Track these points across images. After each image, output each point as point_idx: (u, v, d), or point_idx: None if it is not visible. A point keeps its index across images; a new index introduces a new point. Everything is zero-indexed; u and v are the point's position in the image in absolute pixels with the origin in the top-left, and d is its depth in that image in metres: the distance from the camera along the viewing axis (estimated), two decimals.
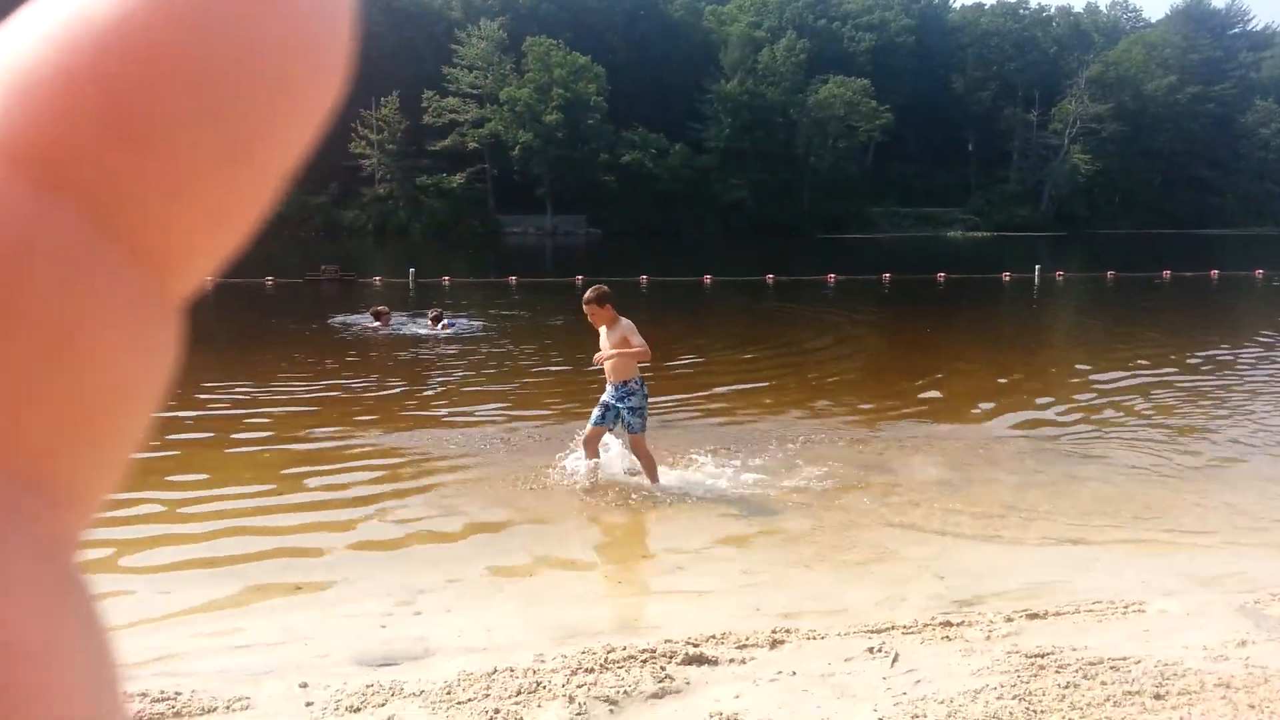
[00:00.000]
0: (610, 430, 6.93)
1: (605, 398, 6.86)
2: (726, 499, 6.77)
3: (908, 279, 28.44)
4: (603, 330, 6.87)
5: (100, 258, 0.17)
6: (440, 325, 16.35)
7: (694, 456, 7.74)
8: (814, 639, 4.41)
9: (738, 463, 7.68)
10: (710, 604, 4.94)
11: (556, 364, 13.00)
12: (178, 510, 6.39)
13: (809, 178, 79.71)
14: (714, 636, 4.38)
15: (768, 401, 10.46)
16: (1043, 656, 4.05)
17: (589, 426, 6.88)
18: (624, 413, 6.76)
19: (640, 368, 6.93)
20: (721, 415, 9.62)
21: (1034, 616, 4.60)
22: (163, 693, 3.77)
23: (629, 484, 6.99)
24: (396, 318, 17.29)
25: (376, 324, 16.70)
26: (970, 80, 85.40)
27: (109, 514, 6.16)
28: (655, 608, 4.89)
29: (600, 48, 75.65)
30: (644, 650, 4.18)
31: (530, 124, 69.34)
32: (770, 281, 27.95)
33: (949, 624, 4.56)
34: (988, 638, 4.38)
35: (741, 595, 5.08)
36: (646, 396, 6.92)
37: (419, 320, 17.07)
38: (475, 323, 18.22)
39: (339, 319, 17.95)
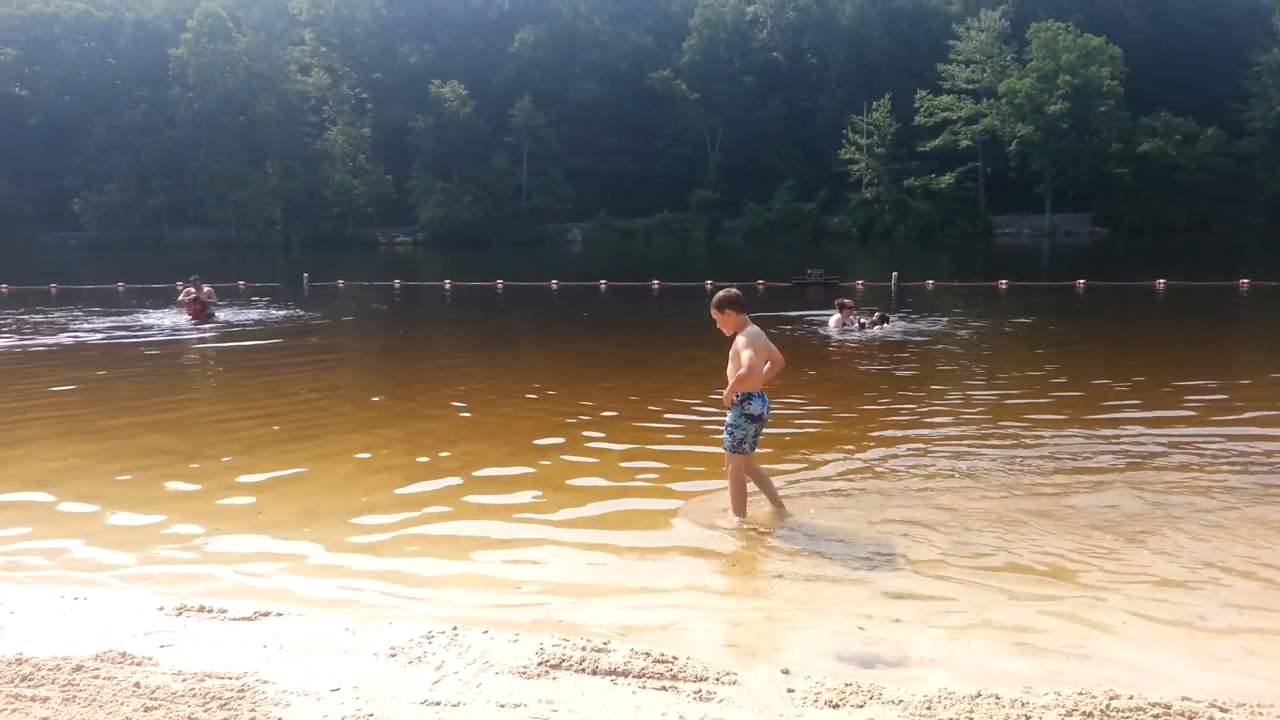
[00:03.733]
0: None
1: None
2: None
3: None
4: None
5: None
6: (864, 326, 16.16)
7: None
8: None
9: None
10: (1241, 667, 4.19)
11: (979, 380, 12.01)
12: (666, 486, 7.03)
13: None
14: (1249, 704, 3.71)
15: None
16: None
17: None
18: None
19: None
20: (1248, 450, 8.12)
21: None
22: (663, 655, 4.17)
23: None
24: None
25: (838, 316, 16.69)
26: None
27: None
28: (1165, 658, 4.27)
29: (1118, 25, 68.20)
30: (1155, 704, 3.68)
31: (1031, 116, 64.77)
32: None
33: None
34: None
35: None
36: (743, 415, 5.93)
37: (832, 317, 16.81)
38: (920, 324, 17.53)
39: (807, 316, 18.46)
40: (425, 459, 8.10)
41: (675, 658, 4.15)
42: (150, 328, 19.26)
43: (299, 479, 7.54)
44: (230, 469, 7.90)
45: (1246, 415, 9.32)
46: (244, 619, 4.72)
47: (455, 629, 4.52)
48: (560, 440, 8.70)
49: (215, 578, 5.47)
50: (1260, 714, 3.67)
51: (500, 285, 29.90)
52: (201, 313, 19.66)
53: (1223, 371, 12.51)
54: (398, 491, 7.13)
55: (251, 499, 7.01)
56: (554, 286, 29.04)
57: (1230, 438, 8.35)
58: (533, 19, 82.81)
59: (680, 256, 52.16)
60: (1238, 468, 7.39)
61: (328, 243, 72.33)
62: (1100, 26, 66.40)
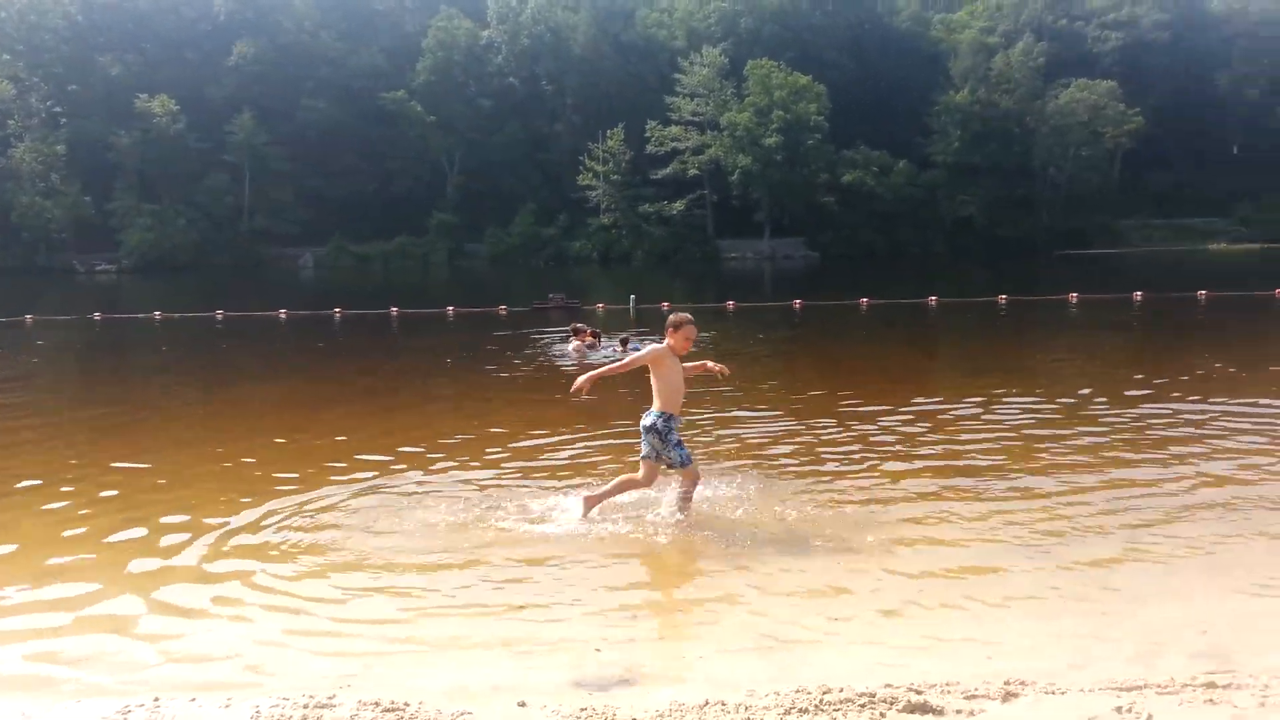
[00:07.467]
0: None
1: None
2: (969, 538, 6.38)
3: (1163, 297, 26.00)
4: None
5: None
6: (614, 348, 16.63)
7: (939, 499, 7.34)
8: (1053, 693, 4.01)
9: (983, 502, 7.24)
10: (936, 651, 4.63)
11: (710, 395, 12.78)
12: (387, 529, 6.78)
13: (1047, 191, 74.88)
14: (939, 685, 4.10)
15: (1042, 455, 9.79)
16: None
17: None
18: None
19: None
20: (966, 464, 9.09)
21: None
22: (393, 702, 3.98)
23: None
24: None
25: (576, 343, 16.51)
26: (1236, 77, 77.28)
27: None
28: (874, 651, 4.64)
29: (822, 66, 74.76)
30: (862, 694, 3.97)
31: (749, 148, 69.52)
32: (1003, 302, 26.39)
33: (1213, 685, 4.02)
34: (1262, 704, 3.82)
35: (970, 642, 4.72)
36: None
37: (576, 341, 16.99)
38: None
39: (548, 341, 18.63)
40: (120, 516, 7.27)
41: (407, 703, 3.97)
42: None
43: None
44: None
45: (954, 420, 10.41)
46: None
47: (157, 700, 4.08)
48: (284, 485, 8.16)
49: None
50: (949, 691, 4.06)
51: (220, 315, 27.80)
52: None
53: (928, 379, 13.93)
54: (84, 555, 6.35)
55: None
56: (282, 316, 27.40)
57: (940, 440, 9.31)
58: (251, 31, 77.95)
59: (420, 282, 51.03)
60: (945, 470, 8.22)
61: (14, 272, 64.11)
62: (808, 66, 72.57)
